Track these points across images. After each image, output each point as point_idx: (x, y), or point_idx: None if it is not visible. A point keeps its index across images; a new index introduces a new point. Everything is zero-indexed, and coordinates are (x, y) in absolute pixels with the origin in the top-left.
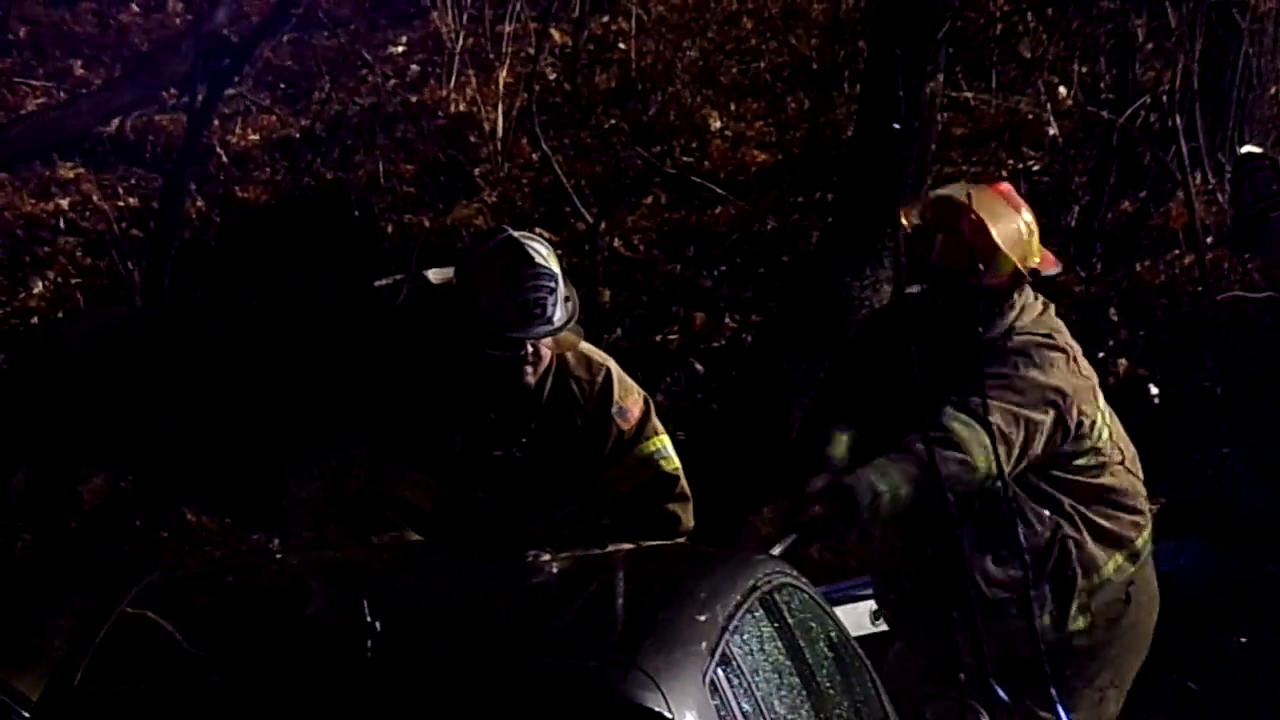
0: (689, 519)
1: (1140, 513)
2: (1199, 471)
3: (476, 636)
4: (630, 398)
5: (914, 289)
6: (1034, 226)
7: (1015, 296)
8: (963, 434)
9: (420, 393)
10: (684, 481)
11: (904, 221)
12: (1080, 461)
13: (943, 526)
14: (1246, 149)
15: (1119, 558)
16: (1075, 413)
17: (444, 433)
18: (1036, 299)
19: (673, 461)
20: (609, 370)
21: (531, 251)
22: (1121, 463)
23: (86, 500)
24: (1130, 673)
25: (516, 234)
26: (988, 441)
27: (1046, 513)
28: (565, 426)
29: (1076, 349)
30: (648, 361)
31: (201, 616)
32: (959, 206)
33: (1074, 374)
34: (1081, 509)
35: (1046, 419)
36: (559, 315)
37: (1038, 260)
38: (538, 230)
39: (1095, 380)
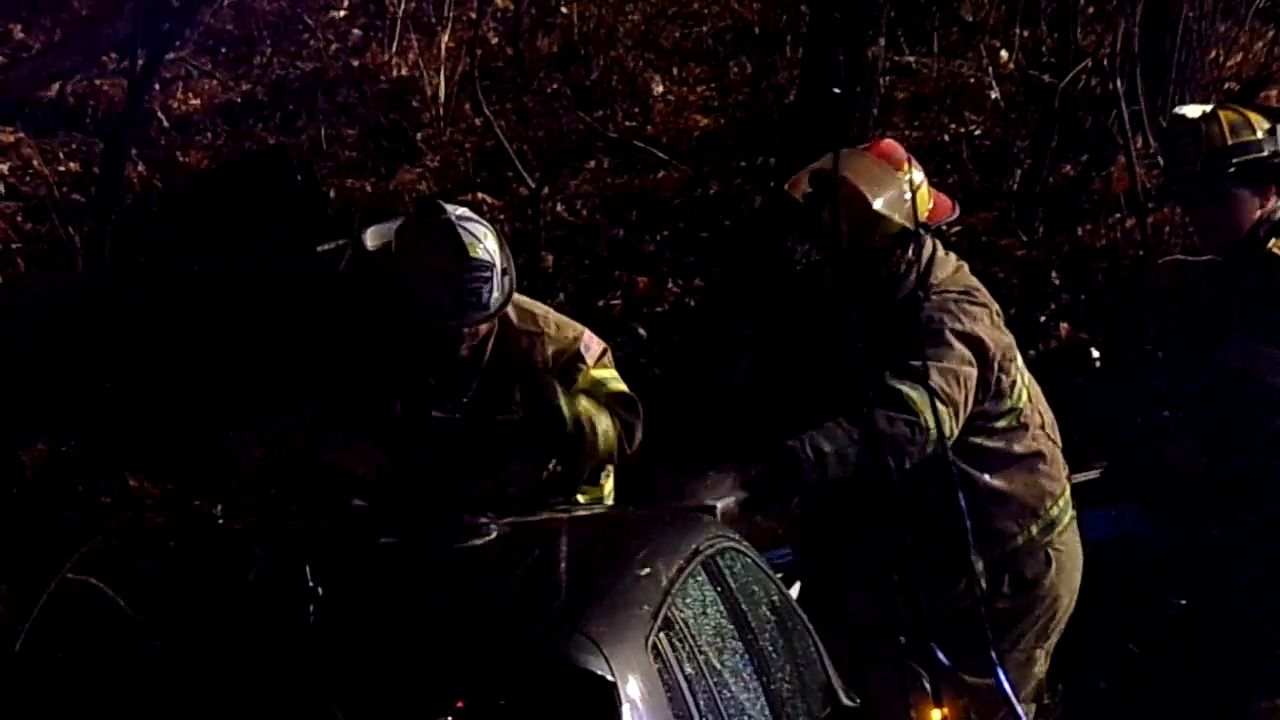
0: (639, 433)
1: (1055, 479)
2: (1140, 435)
3: (419, 602)
4: (572, 330)
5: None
6: (918, 181)
7: (910, 252)
8: (912, 395)
9: (358, 357)
10: (635, 399)
11: (793, 194)
12: (1000, 424)
13: (886, 489)
14: (1181, 110)
15: (1032, 529)
16: (996, 368)
17: (383, 396)
18: (947, 255)
19: (621, 383)
20: (551, 318)
21: (469, 241)
22: (1041, 427)
23: (28, 466)
24: (1055, 634)
25: (454, 215)
26: (934, 403)
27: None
28: (507, 383)
29: (995, 306)
30: (591, 326)
31: (143, 582)
32: (834, 178)
33: (996, 329)
34: (992, 481)
35: (973, 372)
36: (495, 299)
37: (927, 212)
38: (480, 196)
39: (1013, 340)
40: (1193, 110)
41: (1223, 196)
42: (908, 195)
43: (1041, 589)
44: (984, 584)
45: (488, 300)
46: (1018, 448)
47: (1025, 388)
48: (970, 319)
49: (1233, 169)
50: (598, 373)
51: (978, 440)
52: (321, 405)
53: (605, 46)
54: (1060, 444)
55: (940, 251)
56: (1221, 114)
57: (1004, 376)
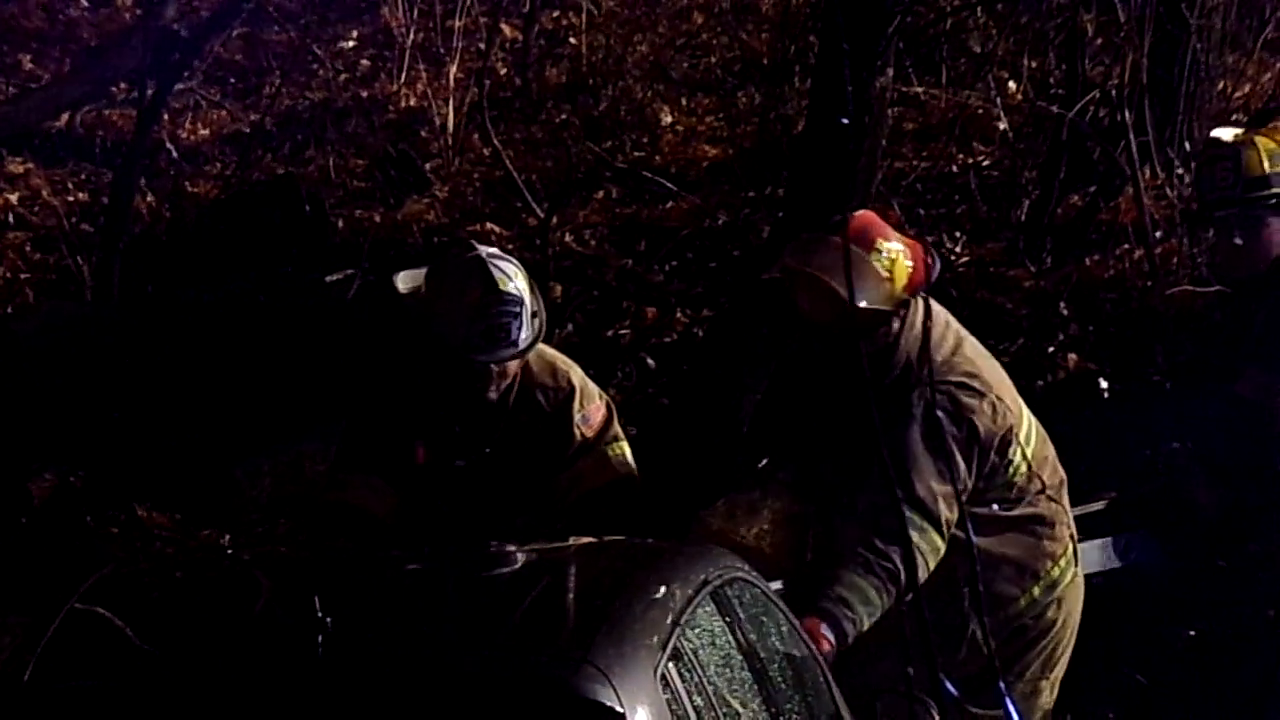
0: (640, 523)
1: (1057, 540)
2: (1148, 466)
3: (428, 632)
4: (593, 404)
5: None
6: (894, 254)
7: (893, 325)
8: (921, 545)
9: (384, 401)
10: (639, 486)
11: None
12: (991, 495)
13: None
14: (1217, 133)
15: (1034, 590)
16: (993, 455)
17: (406, 441)
18: (946, 327)
19: (630, 466)
20: (572, 377)
21: (499, 276)
22: (1042, 491)
23: (36, 497)
24: (1060, 665)
25: (485, 253)
26: (938, 541)
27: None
28: (528, 435)
29: (993, 395)
30: (599, 356)
31: (152, 613)
32: (805, 277)
33: (995, 419)
34: (985, 545)
35: (969, 475)
36: (524, 337)
37: (905, 281)
38: (489, 226)
39: (1015, 416)
40: (1228, 133)
41: (1256, 225)
42: (884, 274)
43: (1044, 622)
44: (989, 647)
45: (517, 337)
46: (1014, 512)
47: (1025, 460)
48: (970, 412)
49: (1274, 199)
50: (611, 449)
51: (972, 510)
52: (342, 446)
53: (614, 77)
54: (1063, 500)
55: (934, 319)
56: (1259, 140)
57: (998, 459)
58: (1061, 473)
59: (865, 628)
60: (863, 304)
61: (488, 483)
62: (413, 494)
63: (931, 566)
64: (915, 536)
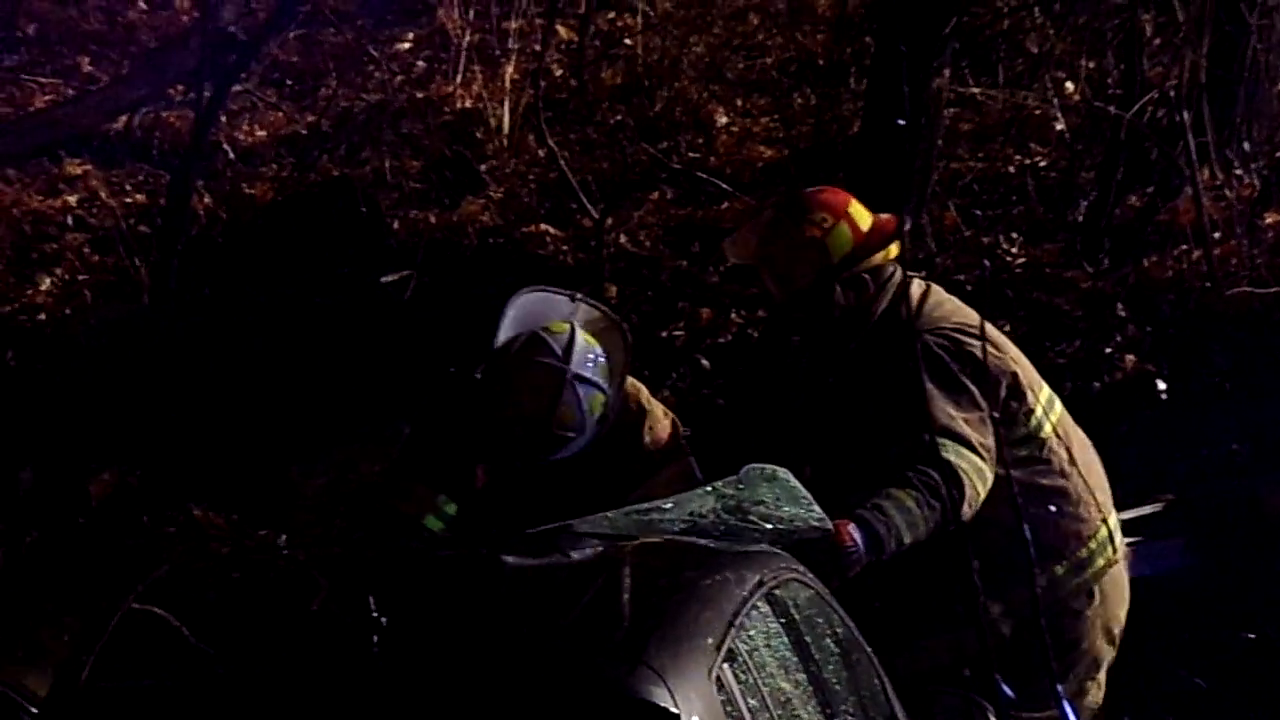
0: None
1: (1084, 521)
2: (1207, 468)
3: (483, 632)
4: (660, 424)
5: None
6: (829, 220)
7: (848, 291)
8: (961, 464)
9: (448, 420)
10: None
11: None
12: (1021, 452)
13: (957, 549)
14: None
15: (1057, 570)
16: (1002, 392)
17: (468, 463)
18: (946, 299)
19: (698, 483)
20: (641, 399)
21: (569, 401)
22: (1070, 463)
23: (93, 496)
24: (1105, 664)
25: (572, 372)
26: (978, 462)
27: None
28: (595, 460)
29: (996, 340)
30: (654, 357)
31: (208, 612)
32: (734, 250)
33: (998, 360)
34: (1007, 519)
35: (987, 398)
36: (591, 426)
37: (849, 246)
38: (543, 227)
39: (1026, 374)
40: None
41: None
42: (820, 235)
43: (1084, 622)
44: (1007, 629)
45: (583, 425)
46: (1041, 480)
47: (1048, 420)
48: (971, 348)
49: None
50: (680, 466)
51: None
52: (405, 453)
53: (669, 78)
54: (1098, 485)
55: (928, 289)
56: None
57: (1015, 404)
58: (1097, 460)
59: (906, 540)
60: (796, 272)
61: (544, 509)
62: (470, 512)
63: (980, 489)
64: (952, 458)
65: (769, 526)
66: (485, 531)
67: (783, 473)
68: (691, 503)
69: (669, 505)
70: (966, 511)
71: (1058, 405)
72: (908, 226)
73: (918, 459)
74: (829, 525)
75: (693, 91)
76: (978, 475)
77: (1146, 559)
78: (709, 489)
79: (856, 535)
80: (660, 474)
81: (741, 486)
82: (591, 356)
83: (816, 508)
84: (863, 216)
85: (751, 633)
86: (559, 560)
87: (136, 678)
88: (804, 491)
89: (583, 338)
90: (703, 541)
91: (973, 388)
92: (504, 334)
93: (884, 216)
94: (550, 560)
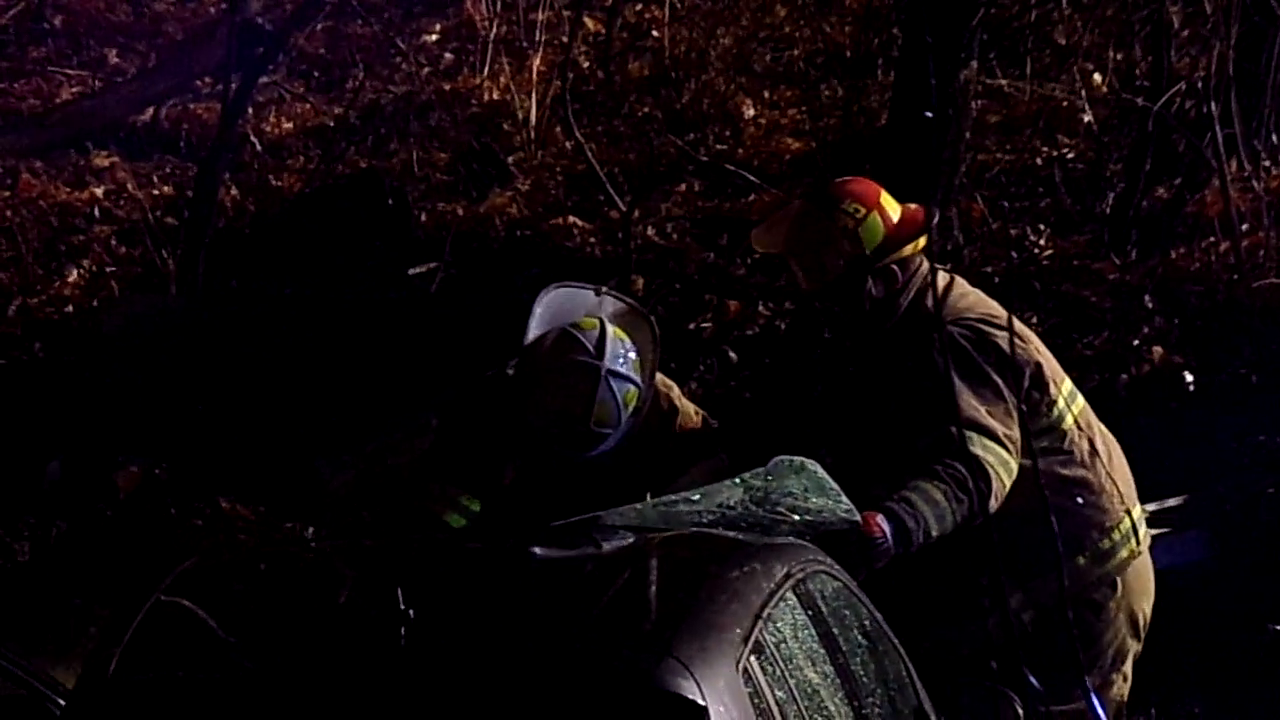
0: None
1: (1106, 512)
2: (1233, 460)
3: (510, 624)
4: (691, 422)
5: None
6: (862, 210)
7: (879, 282)
8: (987, 458)
9: (477, 418)
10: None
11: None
12: (1041, 443)
13: (982, 540)
14: None
15: (1079, 560)
16: (1025, 382)
17: (497, 461)
18: (970, 291)
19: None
20: (672, 397)
21: (602, 398)
22: (1091, 454)
23: (121, 489)
24: (1130, 656)
25: (605, 368)
26: (1003, 454)
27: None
28: (621, 460)
29: (1021, 332)
30: (681, 349)
31: (236, 604)
32: (763, 241)
33: (1021, 351)
34: (1028, 508)
35: (1010, 389)
36: (626, 420)
37: (880, 236)
38: (571, 219)
39: (1050, 366)
40: None
41: None
42: (849, 231)
43: (1107, 613)
44: (1028, 620)
45: (618, 420)
46: (1064, 470)
47: (1070, 411)
48: (994, 338)
49: None
50: (700, 465)
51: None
52: (434, 453)
53: (696, 70)
54: (1121, 476)
55: (951, 281)
56: None
57: (1037, 394)
58: (1120, 451)
59: (934, 533)
60: (828, 262)
61: (572, 507)
62: (495, 514)
63: (1005, 481)
64: (979, 451)
65: (797, 518)
66: (511, 528)
67: (811, 464)
68: (720, 494)
69: (697, 497)
70: (993, 504)
71: (1079, 398)
72: (935, 219)
73: (945, 451)
74: (857, 517)
75: (720, 83)
76: (1003, 467)
77: (1172, 551)
78: (737, 480)
79: (885, 527)
80: (691, 471)
81: (770, 478)
82: (623, 351)
83: (845, 499)
84: (893, 207)
85: (779, 625)
86: (587, 552)
87: (164, 670)
88: (832, 483)
89: (613, 332)
90: (730, 534)
91: (997, 379)
92: (533, 332)
93: (912, 207)
94: (578, 552)
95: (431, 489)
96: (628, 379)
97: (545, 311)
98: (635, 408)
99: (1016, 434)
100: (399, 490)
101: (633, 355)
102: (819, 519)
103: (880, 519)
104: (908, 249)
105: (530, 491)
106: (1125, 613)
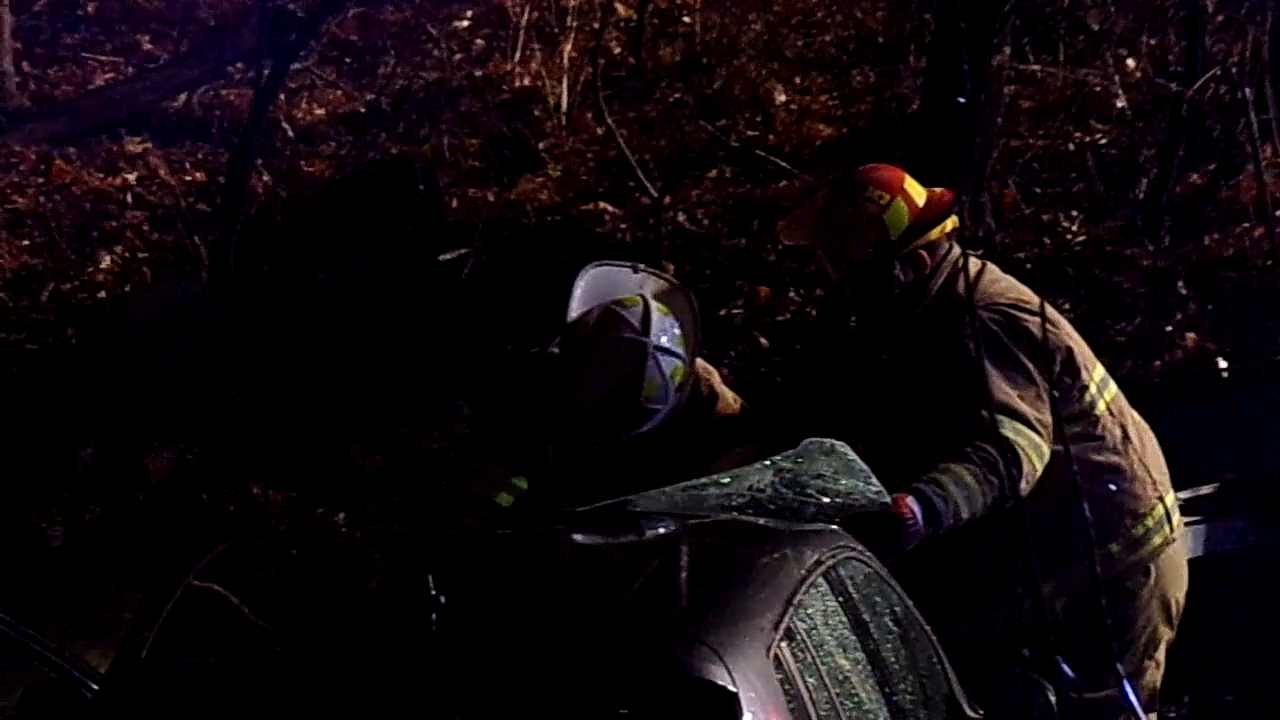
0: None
1: (1139, 497)
2: (1267, 447)
3: (541, 610)
4: (730, 409)
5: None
6: (886, 197)
7: (907, 268)
8: (1019, 441)
9: (520, 396)
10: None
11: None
12: (1073, 429)
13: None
14: None
15: (1112, 547)
16: (1056, 367)
17: (539, 439)
18: (975, 260)
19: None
20: (713, 382)
21: (650, 377)
22: (1125, 440)
23: (153, 474)
24: (1163, 643)
25: (652, 343)
26: (1035, 438)
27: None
28: (662, 441)
29: (1053, 318)
30: (712, 336)
31: (268, 590)
32: (790, 234)
33: (1053, 336)
34: (1060, 495)
35: (1041, 373)
36: (673, 396)
37: (906, 221)
38: (602, 205)
39: (1081, 351)
40: None
41: None
42: (872, 213)
43: (1140, 600)
44: (1060, 606)
45: (665, 398)
46: (1096, 457)
47: (1102, 397)
48: (1026, 323)
49: None
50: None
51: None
52: (476, 433)
53: (728, 56)
54: (1154, 463)
55: (983, 266)
56: None
57: (1069, 379)
58: (1153, 438)
59: (964, 515)
60: (855, 250)
61: (615, 485)
62: (540, 489)
63: (1037, 466)
64: (1010, 434)
65: (827, 500)
66: (555, 507)
67: (841, 446)
68: (750, 477)
69: (727, 480)
70: (1024, 488)
71: (1111, 384)
72: (967, 204)
73: (976, 435)
74: (887, 498)
75: (751, 69)
76: (1035, 451)
77: (1206, 539)
78: (767, 463)
79: (915, 508)
80: (721, 459)
81: (800, 460)
82: (667, 326)
83: (875, 480)
84: (918, 191)
85: (810, 611)
86: (618, 538)
87: (196, 655)
88: (862, 464)
89: (657, 308)
90: (761, 520)
91: (1028, 363)
92: (575, 310)
93: (938, 191)
94: (609, 538)
95: (478, 468)
96: (674, 354)
97: (586, 290)
98: (681, 383)
99: (1048, 419)
100: (444, 471)
101: (677, 330)
102: (849, 500)
103: (910, 500)
104: (935, 233)
105: (574, 471)
106: (1158, 600)
